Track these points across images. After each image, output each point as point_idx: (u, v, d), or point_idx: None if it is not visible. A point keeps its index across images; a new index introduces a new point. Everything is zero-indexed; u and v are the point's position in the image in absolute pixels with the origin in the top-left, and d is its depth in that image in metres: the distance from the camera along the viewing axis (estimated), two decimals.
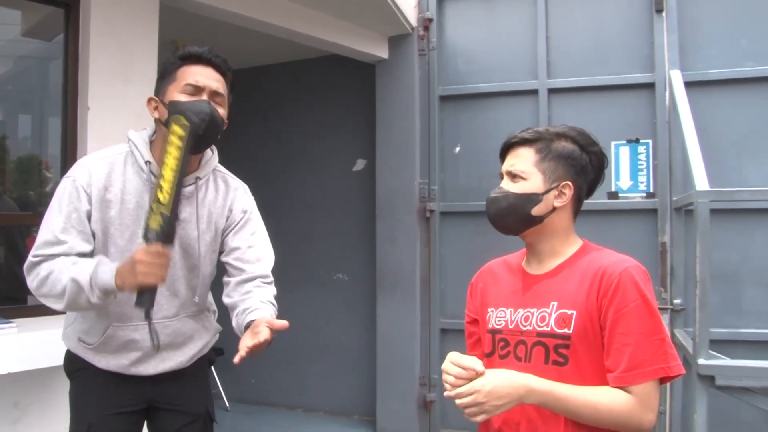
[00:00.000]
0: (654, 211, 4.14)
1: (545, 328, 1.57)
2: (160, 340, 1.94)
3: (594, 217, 4.16)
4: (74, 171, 1.88)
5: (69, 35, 2.98)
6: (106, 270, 1.74)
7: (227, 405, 5.15)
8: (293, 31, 4.06)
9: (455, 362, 1.49)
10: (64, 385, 2.77)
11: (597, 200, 4.09)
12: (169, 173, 1.70)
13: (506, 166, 1.68)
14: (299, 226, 5.17)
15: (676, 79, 3.95)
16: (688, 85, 3.91)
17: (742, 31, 4.10)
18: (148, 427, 2.11)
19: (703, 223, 2.99)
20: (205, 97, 1.86)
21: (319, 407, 5.24)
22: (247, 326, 1.81)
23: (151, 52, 3.15)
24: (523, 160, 1.64)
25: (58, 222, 1.82)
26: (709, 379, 2.93)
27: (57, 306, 1.82)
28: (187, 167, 1.91)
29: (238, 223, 2.05)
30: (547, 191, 1.61)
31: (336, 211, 5.24)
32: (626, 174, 4.22)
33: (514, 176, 1.65)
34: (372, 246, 4.87)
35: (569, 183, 1.62)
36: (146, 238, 1.71)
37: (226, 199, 2.05)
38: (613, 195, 4.21)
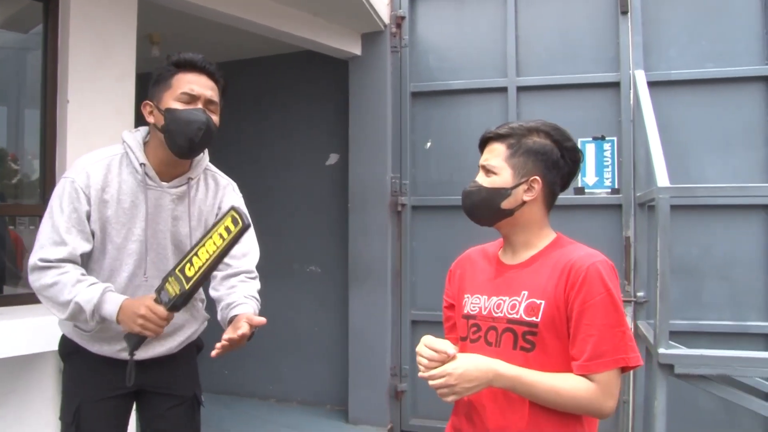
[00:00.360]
0: (618, 206, 4.28)
1: (515, 316, 1.65)
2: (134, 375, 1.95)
3: (561, 212, 4.20)
4: (72, 173, 1.95)
5: (48, 28, 2.98)
6: (111, 303, 1.85)
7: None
8: (268, 27, 4.10)
9: (429, 345, 1.59)
10: (43, 372, 2.84)
11: (564, 195, 4.20)
12: (204, 256, 1.75)
13: (482, 160, 1.76)
14: (272, 220, 5.19)
15: (640, 78, 4.09)
16: (652, 84, 4.06)
17: (702, 33, 4.25)
18: (137, 409, 2.19)
19: (663, 218, 3.12)
20: (200, 105, 1.95)
21: (291, 397, 5.30)
22: (231, 321, 1.93)
23: (130, 46, 3.16)
24: (496, 155, 1.72)
25: (62, 222, 1.89)
26: (668, 368, 3.07)
27: (56, 313, 1.91)
28: (180, 169, 2.04)
29: None
30: (516, 186, 1.69)
31: (309, 205, 5.30)
32: (592, 170, 4.35)
33: (487, 171, 1.73)
34: (344, 239, 4.94)
35: (537, 178, 1.69)
36: (158, 294, 1.82)
37: (216, 197, 2.15)
38: (580, 191, 4.34)
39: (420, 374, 1.60)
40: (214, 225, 1.77)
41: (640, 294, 4.14)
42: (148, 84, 2.04)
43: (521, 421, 1.61)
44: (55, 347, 2.42)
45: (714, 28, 4.24)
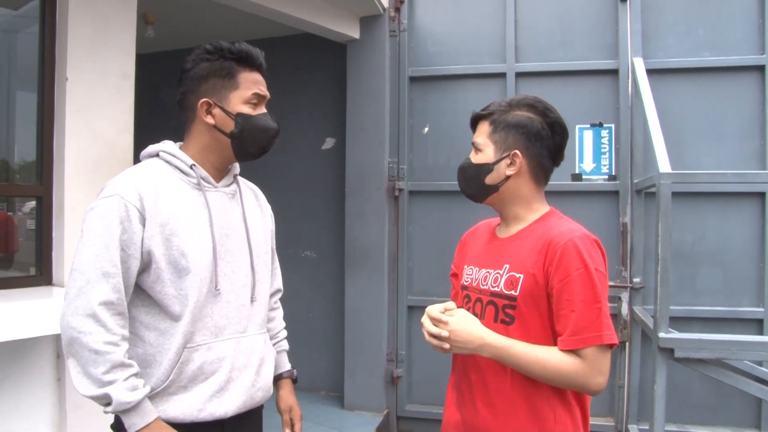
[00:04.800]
0: (616, 193, 4.30)
1: (496, 289, 1.70)
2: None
3: (558, 198, 4.21)
4: (115, 189, 1.63)
5: (45, 5, 2.93)
6: (138, 417, 1.57)
7: None
8: (266, 7, 4.01)
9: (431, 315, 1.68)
10: (38, 357, 2.77)
11: (561, 182, 4.26)
12: None
13: (473, 139, 1.80)
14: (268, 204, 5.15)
15: (639, 66, 4.11)
16: (649, 72, 4.08)
17: (700, 22, 4.28)
18: None
19: (665, 204, 3.14)
20: (264, 108, 1.81)
21: None
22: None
23: (130, 22, 3.11)
24: (481, 132, 1.77)
25: (111, 247, 1.58)
26: (668, 352, 3.10)
27: (73, 375, 1.57)
28: (225, 170, 1.86)
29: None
30: (498, 161, 1.72)
31: (304, 189, 5.26)
32: (589, 157, 4.37)
33: (475, 148, 1.77)
34: (341, 223, 4.91)
35: (518, 152, 1.71)
36: None
37: (257, 199, 1.99)
38: (577, 177, 4.35)
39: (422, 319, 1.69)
40: None
41: (636, 280, 4.17)
42: (185, 73, 1.77)
43: (505, 388, 1.67)
44: (52, 332, 2.36)
45: (711, 17, 4.27)
